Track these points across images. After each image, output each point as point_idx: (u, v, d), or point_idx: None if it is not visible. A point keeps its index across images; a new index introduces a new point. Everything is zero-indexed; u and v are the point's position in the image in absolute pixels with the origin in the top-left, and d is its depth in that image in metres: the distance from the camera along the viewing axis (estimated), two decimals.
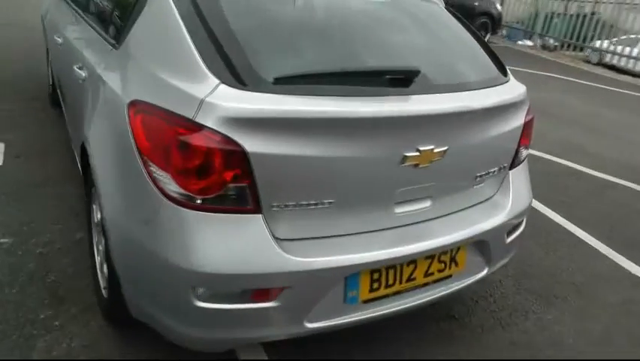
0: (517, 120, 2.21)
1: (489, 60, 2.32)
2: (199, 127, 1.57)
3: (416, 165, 1.85)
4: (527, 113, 2.26)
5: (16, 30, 7.51)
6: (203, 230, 1.64)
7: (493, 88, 2.16)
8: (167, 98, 1.69)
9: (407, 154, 1.82)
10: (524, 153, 2.35)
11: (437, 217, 2.06)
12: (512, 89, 2.22)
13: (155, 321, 1.88)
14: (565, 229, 3.73)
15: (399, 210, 1.94)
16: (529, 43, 13.83)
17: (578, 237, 3.64)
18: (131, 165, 1.75)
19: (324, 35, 2.00)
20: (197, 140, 1.57)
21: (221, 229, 1.65)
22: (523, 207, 2.33)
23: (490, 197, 2.26)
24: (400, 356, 2.32)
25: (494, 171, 2.20)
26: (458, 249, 2.09)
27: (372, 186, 1.84)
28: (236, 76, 1.66)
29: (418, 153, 1.83)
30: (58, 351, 2.16)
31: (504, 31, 14.52)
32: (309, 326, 1.83)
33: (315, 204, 1.75)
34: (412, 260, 1.97)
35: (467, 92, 2.03)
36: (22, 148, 3.94)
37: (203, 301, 1.69)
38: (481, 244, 2.16)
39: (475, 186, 2.16)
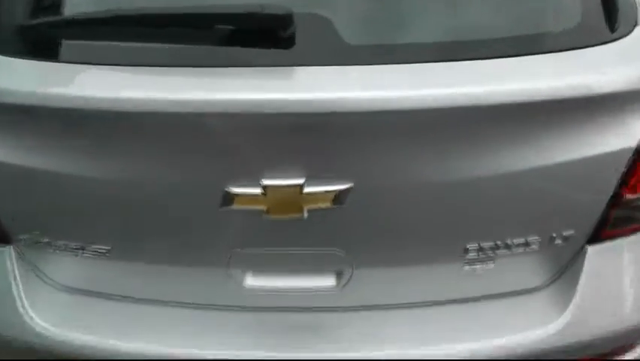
0: (614, 140, 0.93)
1: None
2: None
3: (264, 213, 0.92)
4: None
5: None
6: None
7: (562, 54, 0.90)
8: None
9: (232, 190, 0.91)
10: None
11: (362, 308, 1.07)
12: (620, 60, 0.91)
13: None
14: None
15: (251, 283, 1.05)
16: None
17: None
18: None
19: None
20: None
21: None
22: (618, 325, 1.05)
23: (527, 290, 1.08)
24: None
25: (532, 244, 1.01)
26: None
27: (176, 235, 1.02)
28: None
29: (259, 192, 0.90)
30: None
31: None
32: None
33: (81, 249, 1.05)
34: None
35: (463, 62, 0.88)
36: None
37: None
38: None
39: (467, 267, 1.03)
